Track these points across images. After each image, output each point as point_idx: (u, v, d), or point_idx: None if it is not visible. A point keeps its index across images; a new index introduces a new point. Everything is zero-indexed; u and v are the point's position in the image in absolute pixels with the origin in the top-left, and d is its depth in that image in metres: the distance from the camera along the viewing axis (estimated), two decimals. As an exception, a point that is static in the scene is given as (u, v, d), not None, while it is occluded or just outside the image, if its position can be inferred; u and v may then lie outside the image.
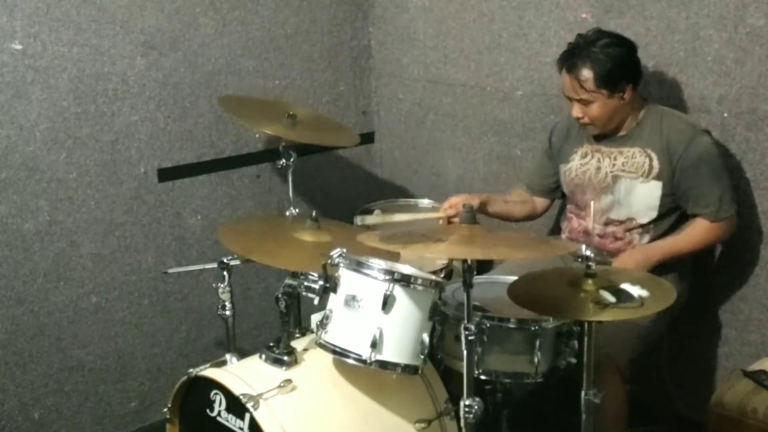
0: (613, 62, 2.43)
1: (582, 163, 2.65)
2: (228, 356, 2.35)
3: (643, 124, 2.55)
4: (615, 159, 2.57)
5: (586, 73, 2.44)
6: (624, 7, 2.78)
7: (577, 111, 2.52)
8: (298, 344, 2.30)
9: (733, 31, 2.55)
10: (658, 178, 2.50)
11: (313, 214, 2.42)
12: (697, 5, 2.62)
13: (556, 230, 2.98)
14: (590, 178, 2.63)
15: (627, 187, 2.55)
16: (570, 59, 2.47)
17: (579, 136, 2.68)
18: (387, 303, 2.02)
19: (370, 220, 2.67)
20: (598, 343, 2.05)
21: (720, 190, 2.47)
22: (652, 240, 2.56)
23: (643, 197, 2.53)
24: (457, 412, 2.06)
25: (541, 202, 2.84)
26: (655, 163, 2.50)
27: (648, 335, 2.50)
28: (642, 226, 2.57)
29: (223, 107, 2.89)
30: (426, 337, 2.08)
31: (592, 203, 2.53)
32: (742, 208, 2.61)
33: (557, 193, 2.82)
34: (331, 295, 2.11)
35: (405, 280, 2.04)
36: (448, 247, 1.98)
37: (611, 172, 2.58)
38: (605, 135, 2.59)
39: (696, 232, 2.51)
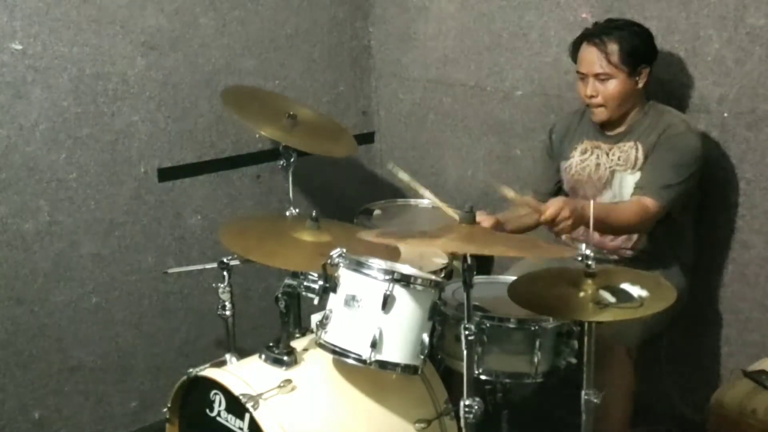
0: (639, 40, 2.49)
1: (581, 159, 2.66)
2: (228, 356, 2.35)
3: (643, 120, 2.57)
4: (613, 154, 2.59)
5: (613, 47, 2.47)
6: (624, 7, 2.78)
7: (591, 89, 2.52)
8: (298, 344, 2.30)
9: (733, 31, 2.55)
10: (641, 168, 2.51)
11: (313, 214, 2.42)
12: (697, 5, 2.62)
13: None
14: (590, 175, 2.63)
15: (620, 180, 2.57)
16: (595, 35, 2.51)
17: (579, 133, 2.69)
18: (387, 303, 2.01)
19: (402, 175, 2.56)
20: (605, 326, 2.04)
21: (670, 180, 2.44)
22: (650, 237, 2.56)
23: (630, 189, 2.54)
24: (457, 412, 2.06)
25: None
26: (641, 154, 2.51)
27: (654, 323, 2.48)
28: None
29: (225, 101, 2.89)
30: (426, 337, 2.07)
31: (591, 203, 2.52)
32: (742, 208, 2.61)
33: (562, 194, 2.82)
34: (331, 295, 2.10)
35: (405, 280, 2.04)
36: (444, 242, 1.97)
37: (609, 167, 2.59)
38: (605, 130, 2.60)
39: (630, 205, 2.46)
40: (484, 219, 2.50)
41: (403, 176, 2.50)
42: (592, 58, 2.50)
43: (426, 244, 2.01)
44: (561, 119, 2.80)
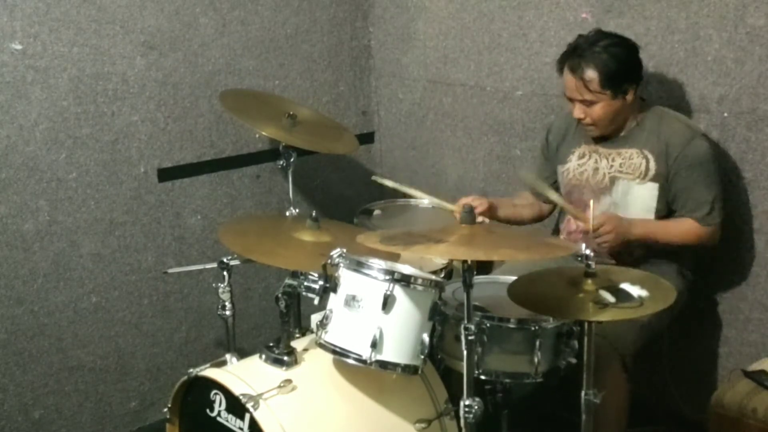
0: (617, 63, 2.42)
1: (579, 164, 2.65)
2: (228, 356, 2.35)
3: (642, 125, 2.55)
4: (613, 160, 2.57)
5: (591, 74, 2.43)
6: (624, 7, 2.78)
7: (579, 112, 2.51)
8: (298, 344, 2.30)
9: (733, 31, 2.55)
10: (654, 180, 2.50)
11: (313, 214, 2.42)
12: (697, 5, 2.62)
13: (555, 232, 2.98)
14: (588, 179, 2.62)
15: (624, 188, 2.55)
16: (573, 59, 2.46)
17: (576, 137, 2.68)
18: (387, 303, 2.01)
19: (387, 182, 2.64)
20: (602, 330, 2.04)
21: (711, 196, 2.47)
22: (651, 243, 2.56)
23: (641, 199, 2.53)
24: (457, 412, 2.06)
25: (545, 206, 2.85)
26: (652, 164, 2.50)
27: (651, 328, 2.49)
28: None
29: (223, 103, 2.89)
30: (426, 337, 2.07)
31: (591, 203, 2.52)
32: (742, 208, 2.61)
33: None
34: (331, 295, 2.10)
35: (405, 280, 2.04)
36: (449, 248, 1.98)
37: (609, 173, 2.58)
38: (604, 136, 2.59)
39: (681, 227, 2.50)
40: (477, 203, 2.53)
41: (388, 183, 2.54)
42: (572, 86, 2.48)
43: (431, 251, 2.01)
44: (559, 120, 2.79)
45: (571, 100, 2.52)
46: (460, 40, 3.32)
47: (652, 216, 2.54)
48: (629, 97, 2.47)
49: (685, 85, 2.69)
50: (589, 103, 2.48)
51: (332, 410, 2.18)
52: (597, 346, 2.04)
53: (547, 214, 2.87)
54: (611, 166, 2.57)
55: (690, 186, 2.47)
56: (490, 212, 2.62)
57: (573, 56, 2.47)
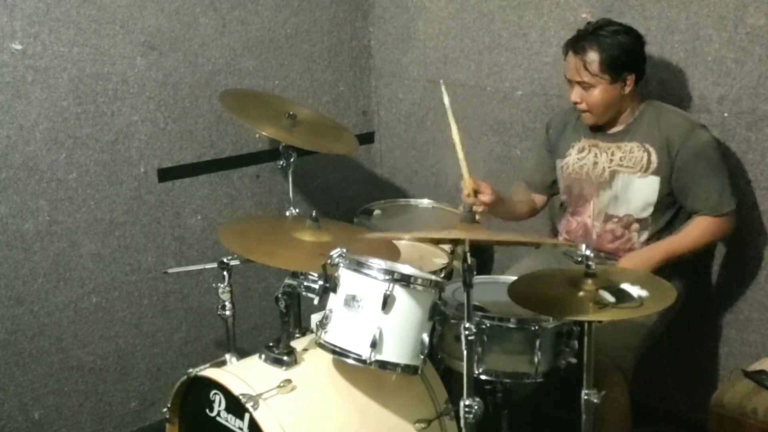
0: (620, 49, 2.45)
1: (579, 158, 2.65)
2: (228, 356, 2.35)
3: (641, 119, 2.55)
4: (612, 154, 2.58)
5: (593, 56, 2.45)
6: (624, 7, 2.78)
7: (576, 95, 2.53)
8: (298, 344, 2.30)
9: (733, 31, 2.55)
10: (656, 173, 2.51)
11: (313, 214, 2.42)
12: (697, 5, 2.62)
13: (554, 232, 2.98)
14: (587, 173, 2.63)
15: (625, 181, 2.55)
16: (578, 42, 2.49)
17: (576, 131, 2.68)
18: (387, 303, 2.01)
19: (445, 100, 2.53)
20: (602, 346, 2.05)
21: (719, 184, 2.47)
22: (651, 236, 2.56)
23: (641, 192, 2.53)
24: (457, 412, 2.06)
25: (539, 199, 2.86)
26: (654, 158, 2.50)
27: (650, 336, 2.50)
28: (639, 222, 2.56)
29: (223, 103, 2.89)
30: (426, 337, 2.07)
31: (592, 201, 2.53)
32: (742, 208, 2.61)
33: (554, 188, 2.82)
34: (331, 295, 2.10)
35: (405, 280, 2.04)
36: (450, 231, 1.97)
37: (609, 167, 2.58)
38: (602, 129, 2.60)
39: (696, 230, 2.51)
40: (486, 189, 2.49)
41: (446, 101, 2.48)
42: (573, 66, 2.50)
43: (432, 234, 2.01)
44: (558, 114, 2.80)
45: (570, 82, 2.53)
46: (460, 40, 3.32)
47: (651, 209, 2.54)
48: (628, 87, 2.48)
49: (685, 85, 2.69)
50: (587, 86, 2.49)
51: (332, 410, 2.18)
52: (597, 362, 2.05)
53: (540, 209, 2.87)
54: (611, 160, 2.58)
55: (696, 178, 2.47)
56: (493, 203, 2.53)
57: (578, 39, 2.50)
